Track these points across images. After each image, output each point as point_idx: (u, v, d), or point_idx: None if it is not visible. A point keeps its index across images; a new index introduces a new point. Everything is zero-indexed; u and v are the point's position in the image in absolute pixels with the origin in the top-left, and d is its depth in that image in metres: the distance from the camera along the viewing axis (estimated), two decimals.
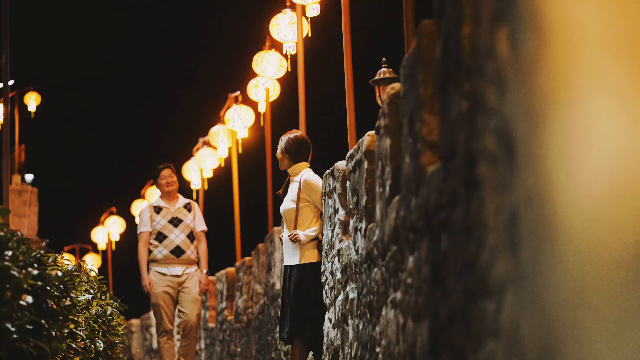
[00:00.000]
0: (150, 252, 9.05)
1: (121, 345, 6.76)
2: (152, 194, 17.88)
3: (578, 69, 1.61)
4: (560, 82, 1.65)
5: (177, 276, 8.99)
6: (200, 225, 9.17)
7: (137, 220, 18.92)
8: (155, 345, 16.83)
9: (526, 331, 2.04)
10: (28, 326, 3.86)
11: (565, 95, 1.66)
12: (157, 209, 9.13)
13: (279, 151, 7.36)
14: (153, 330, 16.90)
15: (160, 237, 9.01)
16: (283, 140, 7.34)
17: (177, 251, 8.98)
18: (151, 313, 17.10)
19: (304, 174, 7.18)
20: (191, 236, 9.07)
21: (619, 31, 1.57)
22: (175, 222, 9.04)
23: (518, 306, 2.20)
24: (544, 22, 1.71)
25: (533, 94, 1.79)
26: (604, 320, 1.58)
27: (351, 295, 5.95)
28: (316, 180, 7.13)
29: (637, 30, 1.54)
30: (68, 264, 5.56)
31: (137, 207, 18.83)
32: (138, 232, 9.15)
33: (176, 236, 9.00)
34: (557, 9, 1.64)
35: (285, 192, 7.33)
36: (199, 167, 15.38)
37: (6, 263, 3.72)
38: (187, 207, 9.17)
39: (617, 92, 1.57)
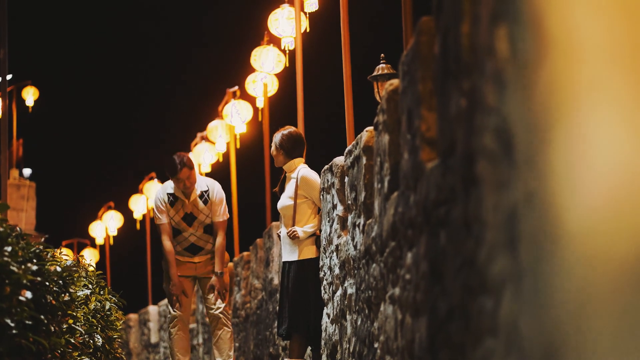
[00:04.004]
0: None
1: (119, 340, 6.77)
2: (150, 188, 17.87)
3: (580, 77, 1.62)
4: (562, 88, 1.66)
5: (195, 263, 8.07)
6: (218, 216, 8.04)
7: (135, 215, 18.93)
8: (153, 339, 16.81)
9: (525, 329, 2.05)
10: (27, 321, 3.87)
11: (567, 102, 1.67)
12: (172, 200, 8.01)
13: (273, 148, 7.35)
14: (151, 324, 16.90)
15: (175, 232, 8.01)
16: (277, 137, 7.33)
17: (192, 248, 8.05)
18: (150, 307, 17.13)
19: (300, 170, 7.17)
20: (209, 228, 8.05)
21: (621, 40, 1.58)
22: (189, 219, 8.02)
23: (517, 304, 2.21)
24: (545, 26, 1.72)
25: (534, 96, 1.80)
26: (606, 327, 1.60)
27: (349, 291, 5.96)
28: (313, 176, 7.13)
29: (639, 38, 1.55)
30: (67, 259, 5.57)
31: (135, 202, 18.83)
32: (156, 223, 8.08)
33: (190, 234, 8.01)
34: (559, 14, 1.65)
35: (282, 188, 7.33)
36: (197, 162, 15.37)
37: (5, 259, 3.73)
38: (204, 199, 8.02)
39: (619, 103, 1.58)
